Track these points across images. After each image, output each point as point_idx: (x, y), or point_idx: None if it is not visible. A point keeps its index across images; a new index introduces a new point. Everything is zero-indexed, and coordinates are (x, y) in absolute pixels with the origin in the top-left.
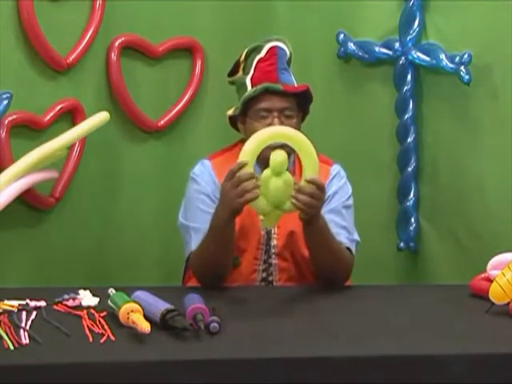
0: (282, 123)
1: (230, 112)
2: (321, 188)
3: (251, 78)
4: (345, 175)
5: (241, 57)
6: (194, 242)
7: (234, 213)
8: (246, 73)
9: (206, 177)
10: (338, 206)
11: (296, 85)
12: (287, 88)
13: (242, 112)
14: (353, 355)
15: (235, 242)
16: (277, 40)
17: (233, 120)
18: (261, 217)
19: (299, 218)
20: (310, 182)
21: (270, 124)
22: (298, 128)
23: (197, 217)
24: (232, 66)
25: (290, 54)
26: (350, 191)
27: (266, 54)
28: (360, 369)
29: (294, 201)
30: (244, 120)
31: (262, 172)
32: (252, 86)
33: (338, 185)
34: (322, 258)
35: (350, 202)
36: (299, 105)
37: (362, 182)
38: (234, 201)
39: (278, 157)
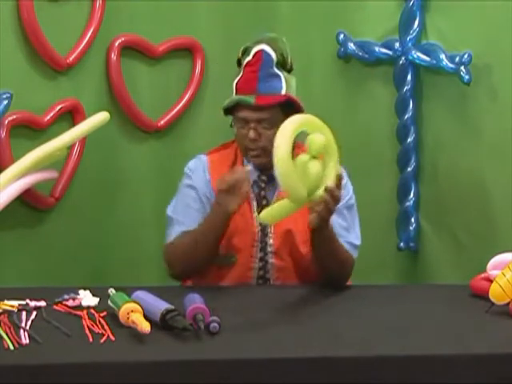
0: (258, 134)
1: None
2: (339, 184)
3: (236, 82)
4: (346, 175)
5: (239, 53)
6: (175, 232)
7: (224, 215)
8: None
9: (199, 172)
10: (340, 206)
11: (284, 90)
12: (259, 101)
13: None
14: (353, 355)
15: (229, 241)
16: (268, 41)
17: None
18: (255, 214)
19: (310, 224)
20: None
21: (247, 135)
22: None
23: (183, 211)
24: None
25: (282, 55)
26: (351, 190)
27: (253, 57)
28: (360, 369)
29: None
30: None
31: (258, 177)
32: (236, 91)
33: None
34: (328, 265)
35: (352, 201)
36: (287, 111)
37: (362, 181)
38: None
39: (319, 139)
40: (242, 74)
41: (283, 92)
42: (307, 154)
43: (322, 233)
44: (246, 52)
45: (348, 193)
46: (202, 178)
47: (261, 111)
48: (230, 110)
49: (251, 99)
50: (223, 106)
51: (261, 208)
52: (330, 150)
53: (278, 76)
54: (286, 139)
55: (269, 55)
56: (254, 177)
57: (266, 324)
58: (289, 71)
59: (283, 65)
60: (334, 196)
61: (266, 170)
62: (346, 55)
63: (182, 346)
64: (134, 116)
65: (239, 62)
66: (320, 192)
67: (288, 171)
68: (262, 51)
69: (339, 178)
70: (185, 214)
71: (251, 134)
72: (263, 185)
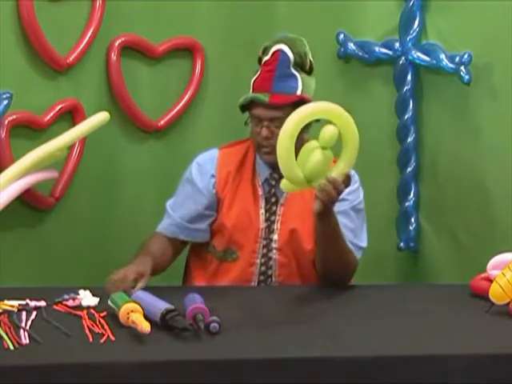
0: (271, 133)
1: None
2: (347, 182)
3: (254, 80)
4: (358, 180)
5: (259, 52)
6: (162, 224)
7: None
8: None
9: (205, 167)
10: (348, 208)
11: (299, 91)
12: (273, 100)
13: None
14: (353, 355)
15: (231, 237)
16: (286, 41)
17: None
18: (262, 211)
19: (313, 210)
20: (345, 176)
21: (260, 132)
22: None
23: (175, 204)
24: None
25: (300, 56)
26: (362, 196)
27: (271, 57)
28: (360, 369)
29: (321, 186)
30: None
31: (269, 175)
32: (252, 89)
33: (351, 188)
34: (331, 257)
35: (361, 206)
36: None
37: (361, 181)
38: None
39: (330, 131)
40: (259, 72)
41: (298, 92)
42: (317, 143)
43: (324, 221)
44: (265, 51)
45: (358, 197)
46: (207, 175)
47: (274, 110)
48: (245, 107)
49: (265, 97)
50: (239, 102)
51: (269, 205)
52: (349, 147)
53: (294, 76)
54: (295, 122)
55: (286, 55)
56: (265, 174)
57: (266, 324)
58: (308, 72)
59: (301, 65)
60: (334, 186)
61: (277, 167)
62: (346, 55)
63: (182, 345)
64: (134, 116)
65: (260, 61)
66: (322, 180)
67: (285, 151)
68: (279, 51)
69: (347, 177)
70: (175, 208)
71: (264, 131)
72: (274, 182)
